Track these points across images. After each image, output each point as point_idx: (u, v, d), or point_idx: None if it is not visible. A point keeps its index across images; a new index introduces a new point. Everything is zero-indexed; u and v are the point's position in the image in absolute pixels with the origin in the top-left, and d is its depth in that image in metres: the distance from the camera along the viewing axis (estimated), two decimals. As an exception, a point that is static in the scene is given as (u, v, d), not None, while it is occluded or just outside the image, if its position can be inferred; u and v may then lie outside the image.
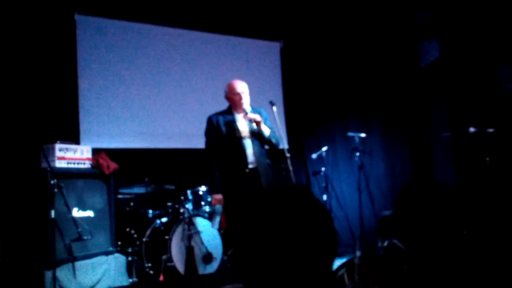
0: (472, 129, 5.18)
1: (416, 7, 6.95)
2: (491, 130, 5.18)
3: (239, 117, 4.53)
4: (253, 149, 4.45)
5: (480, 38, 6.31)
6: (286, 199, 1.38)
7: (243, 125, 4.51)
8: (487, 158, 5.27)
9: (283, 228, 1.33)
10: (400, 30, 7.03)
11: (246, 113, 4.46)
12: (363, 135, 6.06)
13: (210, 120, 4.54)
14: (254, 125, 4.45)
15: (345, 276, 4.31)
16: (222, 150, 4.44)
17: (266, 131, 4.48)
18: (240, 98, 4.46)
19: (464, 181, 5.96)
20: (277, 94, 7.14)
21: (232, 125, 4.48)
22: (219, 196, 4.39)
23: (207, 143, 4.52)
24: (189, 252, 4.62)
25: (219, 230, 5.13)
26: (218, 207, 4.40)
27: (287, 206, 1.36)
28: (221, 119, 4.51)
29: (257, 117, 4.42)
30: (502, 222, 5.10)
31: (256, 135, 4.50)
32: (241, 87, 4.51)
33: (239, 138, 4.44)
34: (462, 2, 6.44)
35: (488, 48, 6.25)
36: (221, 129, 4.46)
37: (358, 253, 4.49)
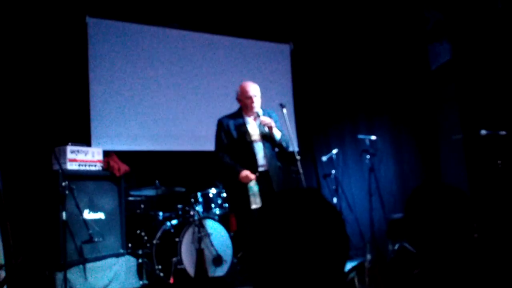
0: (483, 132, 5.14)
1: (427, 9, 6.93)
2: (503, 132, 5.14)
3: (250, 120, 4.53)
4: (264, 152, 4.46)
5: (491, 39, 6.26)
6: (298, 202, 1.38)
7: (253, 128, 4.51)
8: (499, 161, 5.22)
9: (295, 231, 1.33)
10: (410, 32, 7.00)
11: (259, 116, 4.46)
12: (373, 137, 6.03)
13: (220, 123, 4.54)
14: (266, 128, 4.45)
15: (356, 279, 4.31)
16: (233, 154, 4.44)
17: (277, 134, 4.48)
18: (252, 102, 4.46)
19: (476, 184, 5.92)
20: (287, 96, 7.14)
21: (242, 129, 4.48)
22: (245, 172, 4.32)
23: (217, 145, 4.51)
24: (199, 254, 4.63)
25: (227, 230, 5.14)
26: (252, 187, 4.32)
27: (299, 209, 1.36)
28: (231, 123, 4.51)
29: (270, 122, 4.42)
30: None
31: (267, 138, 4.50)
32: (254, 90, 4.50)
33: (250, 142, 4.44)
34: (473, 4, 6.40)
35: (500, 49, 6.20)
36: (231, 133, 4.46)
37: (368, 257, 4.48)
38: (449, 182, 6.48)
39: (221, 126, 4.52)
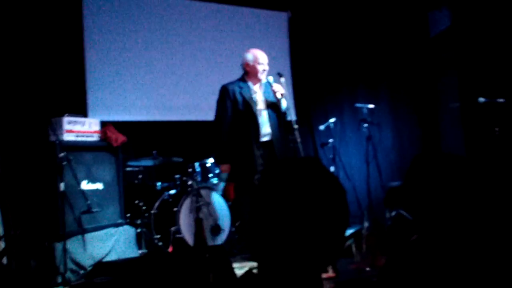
0: (481, 99, 5.12)
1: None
2: (501, 100, 5.12)
3: (256, 88, 4.53)
4: (270, 121, 4.47)
5: (491, 6, 6.18)
6: (298, 170, 1.38)
7: (259, 96, 4.52)
8: (496, 128, 5.22)
9: (295, 199, 1.33)
10: (409, -1, 6.91)
11: (270, 84, 4.46)
12: (371, 106, 6.01)
13: (225, 90, 4.49)
14: (273, 96, 4.44)
15: (353, 246, 4.35)
16: (238, 122, 4.42)
17: (284, 103, 4.50)
18: (264, 69, 4.49)
19: (473, 151, 5.93)
20: (285, 65, 7.08)
21: (249, 96, 4.46)
22: (226, 166, 4.44)
23: (220, 113, 4.46)
24: (197, 223, 4.65)
25: (226, 200, 5.18)
26: (224, 175, 4.44)
27: (298, 178, 1.36)
28: (237, 90, 4.48)
29: (282, 89, 4.43)
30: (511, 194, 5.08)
31: (272, 106, 4.50)
32: (265, 57, 4.53)
33: (255, 111, 4.44)
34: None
35: (500, 17, 6.13)
36: (237, 100, 4.43)
37: (365, 224, 4.51)
38: (447, 150, 6.50)
39: (227, 93, 4.46)
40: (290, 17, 7.32)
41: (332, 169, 6.16)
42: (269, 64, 5.49)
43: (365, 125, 5.96)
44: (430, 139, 6.61)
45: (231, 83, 4.56)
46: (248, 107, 4.43)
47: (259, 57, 4.51)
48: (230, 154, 4.44)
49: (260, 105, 4.49)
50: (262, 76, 4.52)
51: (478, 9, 6.31)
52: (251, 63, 4.52)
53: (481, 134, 5.79)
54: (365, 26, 7.02)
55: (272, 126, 4.47)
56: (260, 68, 4.49)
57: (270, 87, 4.52)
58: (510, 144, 5.47)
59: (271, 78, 4.49)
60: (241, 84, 4.53)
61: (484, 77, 6.06)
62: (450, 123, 6.51)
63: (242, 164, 4.39)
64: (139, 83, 5.99)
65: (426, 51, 6.85)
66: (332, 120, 6.11)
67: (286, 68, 7.06)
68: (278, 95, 4.44)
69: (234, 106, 4.44)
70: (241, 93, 4.45)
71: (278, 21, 7.27)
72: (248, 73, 4.54)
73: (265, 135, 4.45)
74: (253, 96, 4.47)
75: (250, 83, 4.53)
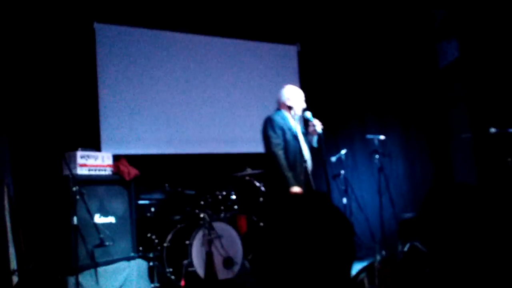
0: (493, 130, 5.11)
1: (434, 6, 6.91)
2: (512, 130, 5.11)
3: (292, 121, 4.70)
4: (307, 150, 4.69)
5: (499, 37, 6.23)
6: (306, 206, 1.39)
7: (297, 129, 4.71)
8: (509, 159, 5.20)
9: (303, 235, 1.34)
10: (418, 30, 6.98)
11: (307, 119, 4.70)
12: (382, 137, 6.01)
13: (273, 120, 4.63)
14: (319, 128, 4.63)
15: (365, 280, 4.30)
16: (286, 150, 4.54)
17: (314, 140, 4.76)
18: (303, 105, 4.78)
19: (486, 182, 5.89)
20: (295, 98, 7.13)
21: (291, 127, 4.64)
22: (297, 189, 4.42)
23: (274, 142, 4.53)
24: (208, 257, 4.65)
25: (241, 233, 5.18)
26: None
27: (306, 213, 1.37)
28: (281, 121, 4.65)
29: (320, 125, 4.65)
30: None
31: (305, 138, 4.74)
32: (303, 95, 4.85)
33: (298, 140, 4.62)
34: (479, 1, 6.38)
35: (508, 47, 6.17)
36: (285, 130, 4.59)
37: (378, 257, 4.47)
38: (460, 181, 6.46)
39: (276, 122, 4.62)
40: (300, 50, 7.41)
41: (344, 200, 6.14)
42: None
43: (377, 156, 5.95)
44: (442, 170, 6.58)
45: (274, 115, 4.72)
46: (293, 137, 4.61)
47: (300, 94, 4.82)
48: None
49: (300, 135, 4.68)
50: (300, 111, 4.75)
51: (486, 40, 6.36)
52: (292, 98, 4.75)
53: (493, 165, 5.76)
54: (375, 57, 7.08)
55: (308, 155, 4.70)
56: (301, 103, 4.77)
57: (307, 121, 4.76)
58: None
59: (308, 114, 4.70)
60: (283, 115, 4.71)
61: (494, 107, 6.07)
62: (462, 153, 6.49)
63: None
64: (151, 117, 6.06)
65: (435, 82, 6.88)
66: (343, 151, 6.12)
67: (296, 100, 7.11)
68: (318, 129, 4.62)
69: (283, 135, 4.59)
70: (285, 124, 4.65)
71: (288, 54, 7.37)
72: (285, 107, 4.74)
73: (306, 163, 4.59)
74: (294, 128, 4.68)
75: (287, 116, 4.72)
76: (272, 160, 4.51)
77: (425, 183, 6.63)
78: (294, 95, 4.79)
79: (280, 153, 4.47)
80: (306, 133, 4.77)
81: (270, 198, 4.68)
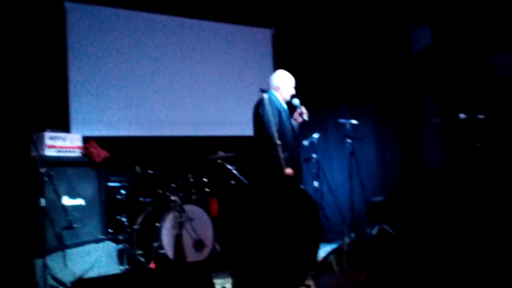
0: (462, 115, 5.19)
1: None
2: (481, 116, 5.19)
3: (283, 103, 4.89)
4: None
5: (472, 24, 6.30)
6: (273, 191, 1.40)
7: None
8: (477, 144, 5.29)
9: (270, 218, 1.34)
10: (392, 16, 7.01)
11: (296, 106, 4.90)
12: (354, 121, 6.06)
13: (271, 100, 4.66)
14: (305, 116, 4.87)
15: (334, 262, 4.35)
16: (280, 130, 4.60)
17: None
18: (293, 91, 4.97)
19: (454, 167, 5.99)
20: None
21: (284, 108, 4.80)
22: (290, 170, 4.47)
23: (271, 122, 4.47)
24: (177, 239, 4.64)
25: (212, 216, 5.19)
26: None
27: (273, 198, 1.38)
28: (276, 101, 4.77)
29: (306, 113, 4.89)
30: (491, 208, 5.14)
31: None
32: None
33: (291, 121, 4.81)
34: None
35: (481, 35, 6.24)
36: (280, 110, 4.72)
37: (346, 240, 4.52)
38: (430, 165, 6.56)
39: (273, 103, 4.68)
40: (274, 34, 7.38)
41: (315, 184, 6.18)
42: (252, 79, 5.60)
43: (349, 140, 6.00)
44: (412, 154, 6.67)
45: (269, 95, 4.73)
46: (287, 117, 4.81)
47: (292, 80, 5.01)
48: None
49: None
50: (289, 97, 4.95)
51: (459, 26, 6.42)
52: (284, 83, 4.94)
53: (461, 149, 5.86)
54: (349, 42, 7.10)
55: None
56: (291, 89, 4.96)
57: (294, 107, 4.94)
58: (490, 159, 5.55)
59: (297, 101, 4.91)
60: (276, 97, 4.85)
61: (464, 94, 6.16)
62: (432, 138, 6.59)
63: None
64: (122, 99, 5.99)
65: (408, 68, 6.94)
66: (315, 135, 6.14)
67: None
68: (305, 117, 4.87)
69: (278, 117, 4.70)
70: (280, 105, 4.79)
71: (262, 37, 7.33)
72: (277, 92, 4.90)
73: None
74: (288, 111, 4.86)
75: (280, 97, 4.89)
76: (266, 140, 4.51)
77: (396, 167, 6.72)
78: (285, 81, 4.96)
79: (276, 134, 4.47)
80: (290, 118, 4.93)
81: (258, 180, 4.61)
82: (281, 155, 4.37)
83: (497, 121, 5.72)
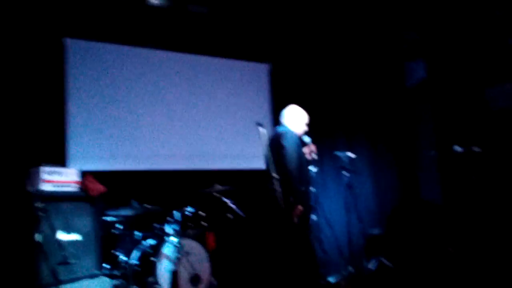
0: (458, 148, 5.22)
1: (403, 28, 7.06)
2: (477, 149, 5.23)
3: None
4: None
5: (466, 58, 6.40)
6: (267, 224, 1.41)
7: None
8: (473, 177, 5.31)
9: (264, 252, 1.36)
10: (386, 50, 7.12)
11: (305, 144, 4.85)
12: (350, 154, 6.09)
13: (294, 135, 4.74)
14: (314, 155, 4.87)
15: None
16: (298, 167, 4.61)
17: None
18: (306, 128, 4.97)
19: (450, 199, 5.99)
20: (265, 116, 7.16)
21: (300, 143, 4.79)
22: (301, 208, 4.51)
23: (292, 157, 4.56)
24: (173, 275, 4.60)
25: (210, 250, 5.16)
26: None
27: (267, 232, 1.39)
28: (294, 136, 4.77)
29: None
30: (487, 239, 5.11)
31: None
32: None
33: (305, 156, 4.80)
34: (447, 24, 6.55)
35: (475, 68, 6.33)
36: (298, 146, 4.72)
37: (345, 273, 4.48)
38: (425, 197, 6.57)
39: (296, 138, 4.72)
40: (271, 69, 7.46)
41: (313, 217, 6.16)
42: (249, 114, 5.62)
43: (345, 173, 6.01)
44: (408, 186, 6.67)
45: (288, 129, 4.82)
46: (302, 152, 4.79)
47: (306, 117, 5.02)
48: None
49: None
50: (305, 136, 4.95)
51: (453, 60, 6.52)
52: (300, 120, 4.96)
53: (457, 182, 5.87)
54: (344, 76, 7.19)
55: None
56: (304, 127, 4.96)
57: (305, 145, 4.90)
58: (486, 192, 5.55)
59: (308, 138, 4.91)
60: (292, 131, 4.85)
61: (459, 127, 6.20)
62: (428, 170, 6.60)
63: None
64: (119, 133, 6.01)
65: (403, 101, 7.01)
66: (313, 168, 6.16)
67: (267, 118, 7.15)
68: (314, 155, 4.87)
69: (298, 154, 4.71)
70: (297, 140, 4.79)
71: (259, 72, 7.39)
72: (294, 126, 4.91)
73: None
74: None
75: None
76: (283, 175, 4.47)
77: (393, 199, 6.71)
78: (299, 116, 4.98)
79: (296, 169, 4.52)
80: None
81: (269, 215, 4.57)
82: (299, 189, 4.44)
83: (493, 154, 5.75)
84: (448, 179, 6.14)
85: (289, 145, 4.57)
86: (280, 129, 4.76)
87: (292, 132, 4.77)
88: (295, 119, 4.95)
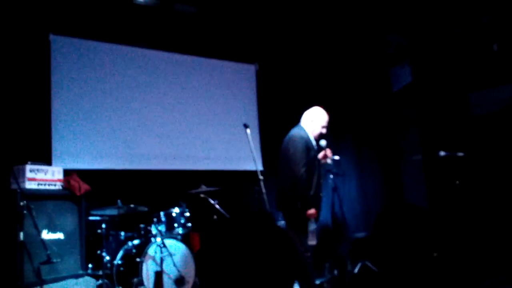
0: (442, 153, 5.27)
1: (389, 32, 7.12)
2: (461, 154, 5.28)
3: (312, 139, 4.67)
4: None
5: (451, 63, 6.47)
6: (249, 226, 1.41)
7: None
8: (457, 181, 5.36)
9: (247, 253, 1.35)
10: (373, 55, 7.17)
11: (322, 148, 4.65)
12: (336, 157, 6.11)
13: (303, 138, 4.56)
14: (329, 160, 4.66)
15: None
16: (308, 169, 4.47)
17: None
18: (325, 131, 4.71)
19: (435, 203, 6.05)
20: (252, 116, 7.17)
21: (314, 145, 4.61)
22: (314, 210, 4.38)
23: (302, 163, 4.43)
24: (157, 276, 4.58)
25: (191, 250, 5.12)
26: (312, 224, 4.36)
27: (249, 234, 1.39)
28: (306, 137, 4.58)
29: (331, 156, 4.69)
30: (471, 243, 5.18)
31: None
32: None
33: (318, 159, 4.61)
34: (433, 29, 6.62)
35: (459, 74, 6.41)
36: (310, 149, 4.54)
37: (328, 276, 4.50)
38: (410, 201, 6.62)
39: (306, 143, 4.54)
40: (258, 70, 7.48)
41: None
42: (236, 114, 5.54)
43: (331, 176, 6.03)
44: (393, 190, 6.72)
45: (300, 131, 4.64)
46: (315, 155, 4.59)
47: (326, 119, 4.76)
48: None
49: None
50: (318, 136, 4.71)
51: (438, 66, 6.58)
52: (314, 121, 4.72)
53: (442, 186, 5.93)
54: (331, 79, 7.22)
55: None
56: (323, 129, 4.72)
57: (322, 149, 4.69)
58: (470, 196, 5.62)
59: (324, 142, 4.66)
60: (306, 132, 4.66)
61: (444, 131, 6.27)
62: (413, 175, 6.66)
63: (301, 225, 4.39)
64: (105, 132, 5.97)
65: (388, 105, 7.06)
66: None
67: (253, 119, 7.16)
68: (329, 160, 4.66)
69: (308, 157, 4.51)
70: (310, 141, 4.59)
71: (246, 73, 7.41)
72: (309, 129, 4.70)
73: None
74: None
75: (310, 133, 4.68)
76: (290, 178, 4.41)
77: (378, 203, 6.76)
78: (319, 118, 4.75)
79: (304, 173, 4.40)
80: None
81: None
82: (308, 194, 4.37)
83: (476, 158, 5.83)
84: (433, 183, 6.20)
85: (297, 149, 4.46)
86: (292, 131, 4.65)
87: (302, 135, 4.60)
88: (312, 121, 4.74)
